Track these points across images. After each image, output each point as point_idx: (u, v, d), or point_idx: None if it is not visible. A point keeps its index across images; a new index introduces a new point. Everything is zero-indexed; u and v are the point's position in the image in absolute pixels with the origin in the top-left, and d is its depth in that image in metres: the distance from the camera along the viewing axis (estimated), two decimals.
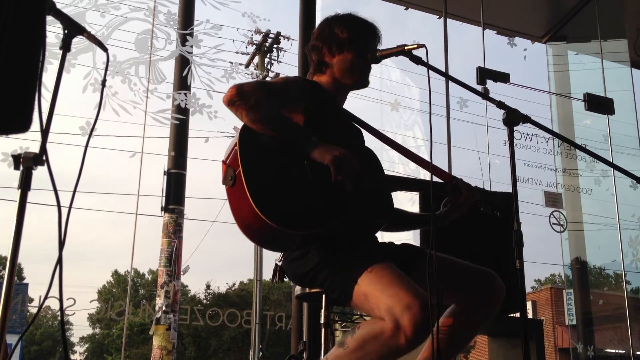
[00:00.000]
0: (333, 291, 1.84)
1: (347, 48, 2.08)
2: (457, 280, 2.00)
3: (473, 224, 2.29)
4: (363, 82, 2.15)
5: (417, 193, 3.22)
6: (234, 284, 26.85)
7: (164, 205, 6.22)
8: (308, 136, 1.85)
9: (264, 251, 13.27)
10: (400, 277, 1.73)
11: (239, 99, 1.81)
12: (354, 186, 1.86)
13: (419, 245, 3.04)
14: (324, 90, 2.10)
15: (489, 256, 2.71)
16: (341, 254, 1.84)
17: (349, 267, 1.80)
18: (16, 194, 1.29)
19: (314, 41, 2.15)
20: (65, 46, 1.41)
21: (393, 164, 4.92)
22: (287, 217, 1.74)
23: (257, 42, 13.47)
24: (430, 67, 1.91)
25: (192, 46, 4.79)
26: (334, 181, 1.79)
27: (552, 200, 5.44)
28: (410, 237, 3.58)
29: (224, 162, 1.86)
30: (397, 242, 2.24)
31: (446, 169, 4.69)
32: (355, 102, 2.39)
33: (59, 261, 1.38)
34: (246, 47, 13.24)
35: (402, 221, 2.25)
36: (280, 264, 2.03)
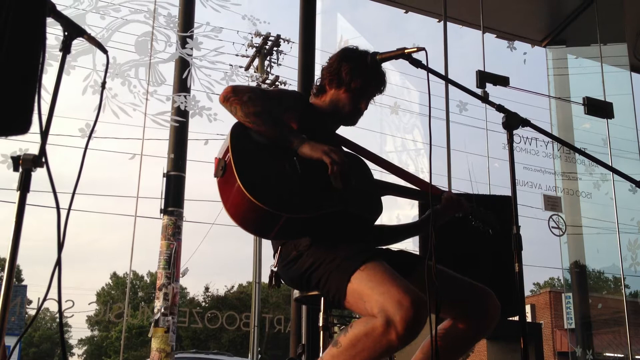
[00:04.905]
0: (328, 291, 1.84)
1: (344, 89, 2.14)
2: (454, 294, 2.00)
3: (473, 228, 2.30)
4: (347, 122, 2.22)
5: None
6: (232, 287, 26.91)
7: (163, 208, 6.21)
8: (298, 133, 1.89)
9: (263, 253, 13.27)
10: (393, 274, 1.74)
11: (233, 94, 1.88)
12: (344, 184, 1.86)
13: (417, 251, 3.05)
14: (315, 111, 2.16)
15: (489, 259, 2.71)
16: (334, 254, 1.85)
17: (342, 266, 1.80)
18: (15, 196, 1.29)
19: (325, 65, 2.22)
20: (65, 48, 1.41)
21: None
22: (271, 196, 1.74)
23: (257, 45, 13.48)
24: (430, 71, 1.92)
25: (192, 48, 4.80)
26: (330, 174, 1.81)
27: (552, 203, 5.44)
28: (409, 241, 3.58)
29: (216, 158, 1.88)
30: (394, 249, 2.25)
31: (445, 173, 4.73)
32: None
33: (58, 263, 1.38)
34: (246, 50, 13.27)
35: (391, 235, 2.28)
36: (275, 269, 2.03)
